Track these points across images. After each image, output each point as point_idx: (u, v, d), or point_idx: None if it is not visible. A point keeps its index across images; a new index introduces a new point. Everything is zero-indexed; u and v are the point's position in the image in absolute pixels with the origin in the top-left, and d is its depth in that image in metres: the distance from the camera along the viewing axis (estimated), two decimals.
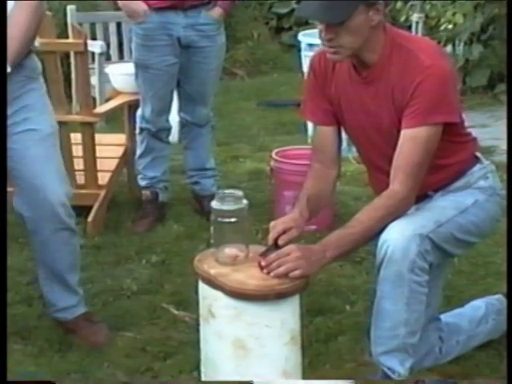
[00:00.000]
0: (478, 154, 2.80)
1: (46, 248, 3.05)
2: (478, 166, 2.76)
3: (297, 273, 2.41)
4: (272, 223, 2.58)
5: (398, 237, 2.52)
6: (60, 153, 3.07)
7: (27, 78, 2.93)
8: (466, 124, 2.75)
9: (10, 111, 2.85)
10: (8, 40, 2.77)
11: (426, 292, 2.60)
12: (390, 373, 2.63)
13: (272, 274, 2.42)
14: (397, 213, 2.56)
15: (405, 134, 2.54)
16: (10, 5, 2.78)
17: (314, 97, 2.75)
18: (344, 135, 2.84)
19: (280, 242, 2.52)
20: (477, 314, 3.02)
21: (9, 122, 2.84)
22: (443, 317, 2.95)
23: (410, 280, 2.54)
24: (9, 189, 2.85)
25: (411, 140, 2.53)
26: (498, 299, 3.07)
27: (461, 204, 2.67)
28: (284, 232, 2.54)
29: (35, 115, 2.94)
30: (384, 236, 2.55)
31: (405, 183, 2.54)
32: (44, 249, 3.06)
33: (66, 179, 3.09)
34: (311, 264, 2.44)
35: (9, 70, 2.76)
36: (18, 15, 2.81)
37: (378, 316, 2.62)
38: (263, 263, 2.44)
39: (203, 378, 2.58)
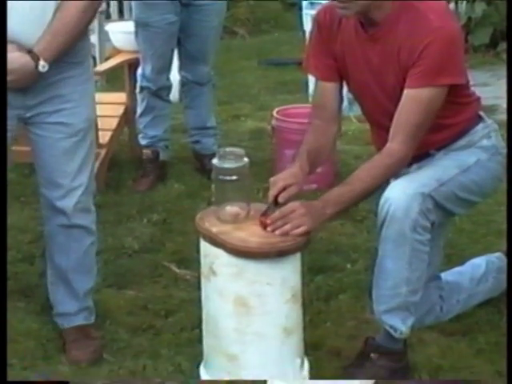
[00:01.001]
0: (482, 113, 2.79)
1: (53, 241, 2.88)
2: (481, 125, 2.74)
3: (301, 229, 2.41)
4: (272, 180, 2.57)
5: (400, 195, 2.52)
6: (92, 147, 2.84)
7: (67, 63, 2.67)
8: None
9: (36, 100, 2.67)
10: (50, 34, 2.56)
11: (428, 251, 2.60)
12: (391, 331, 2.64)
13: (278, 231, 2.42)
14: (395, 171, 2.58)
15: (408, 93, 2.52)
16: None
17: (318, 52, 2.72)
18: (346, 93, 2.83)
19: (280, 199, 2.52)
20: (477, 272, 3.03)
21: (35, 111, 2.68)
22: (444, 275, 2.96)
23: (412, 239, 2.54)
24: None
25: (414, 100, 2.51)
26: (498, 257, 3.08)
27: (463, 163, 2.66)
28: (284, 189, 2.53)
29: (69, 107, 2.71)
30: (386, 195, 2.55)
31: (405, 143, 2.53)
32: (51, 241, 2.89)
33: (91, 176, 2.85)
34: (314, 220, 2.45)
35: (45, 68, 2.56)
36: (68, 7, 2.58)
37: (380, 275, 2.63)
38: (268, 221, 2.44)
39: (204, 336, 2.59)
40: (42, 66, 2.57)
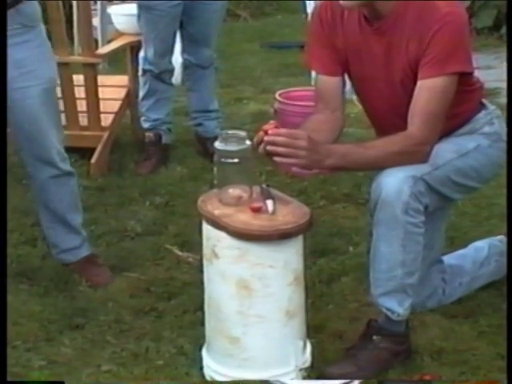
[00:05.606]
0: (484, 101, 2.77)
1: (46, 192, 3.10)
2: (483, 112, 2.73)
3: (293, 161, 2.37)
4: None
5: (391, 179, 2.48)
6: (56, 100, 3.07)
7: (22, 26, 2.83)
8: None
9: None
10: None
11: (423, 232, 2.57)
12: (389, 313, 2.64)
13: (268, 148, 2.36)
14: (409, 156, 2.50)
15: (422, 84, 2.49)
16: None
17: (321, 47, 2.68)
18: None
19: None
20: (480, 255, 3.03)
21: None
22: (446, 258, 2.96)
23: (405, 221, 2.51)
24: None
25: (428, 90, 2.48)
26: (501, 240, 3.08)
27: (462, 147, 2.64)
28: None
29: (31, 70, 2.88)
30: (378, 179, 2.52)
31: (421, 130, 2.48)
32: (43, 193, 3.11)
33: (60, 126, 3.12)
34: (310, 162, 2.39)
35: None
36: None
37: (375, 258, 2.62)
38: (270, 131, 2.36)
39: (207, 318, 2.60)
40: None
